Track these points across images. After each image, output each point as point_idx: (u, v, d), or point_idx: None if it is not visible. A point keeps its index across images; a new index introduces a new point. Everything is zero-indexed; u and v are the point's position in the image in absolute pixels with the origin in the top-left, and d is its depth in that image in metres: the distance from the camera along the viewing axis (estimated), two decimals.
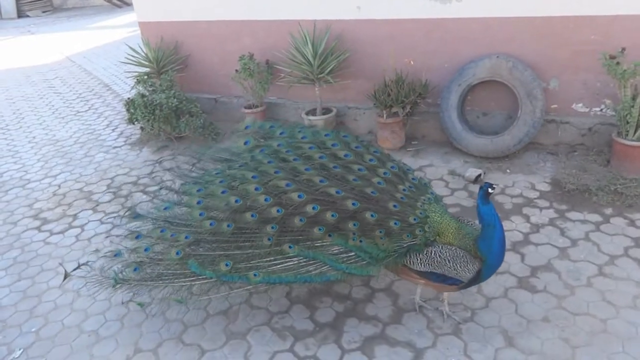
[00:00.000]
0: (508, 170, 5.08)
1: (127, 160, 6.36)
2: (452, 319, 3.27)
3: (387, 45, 5.77)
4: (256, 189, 3.03)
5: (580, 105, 5.20)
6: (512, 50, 5.19)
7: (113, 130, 7.49)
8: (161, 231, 3.26)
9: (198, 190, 3.29)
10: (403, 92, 5.45)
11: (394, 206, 2.96)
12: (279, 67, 6.27)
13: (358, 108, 6.31)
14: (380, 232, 2.93)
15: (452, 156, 5.52)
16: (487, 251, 2.88)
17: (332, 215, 2.93)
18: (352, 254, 2.99)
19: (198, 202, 3.22)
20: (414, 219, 2.96)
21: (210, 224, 3.10)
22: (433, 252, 2.94)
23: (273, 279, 3.04)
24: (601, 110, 5.11)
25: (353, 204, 2.91)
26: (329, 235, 2.97)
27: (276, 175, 3.05)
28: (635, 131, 4.54)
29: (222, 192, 3.15)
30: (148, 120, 6.28)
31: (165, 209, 3.43)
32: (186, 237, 3.16)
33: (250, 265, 3.04)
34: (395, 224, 2.93)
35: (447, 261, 2.90)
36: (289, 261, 3.02)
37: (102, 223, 4.93)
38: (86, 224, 4.95)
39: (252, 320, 3.46)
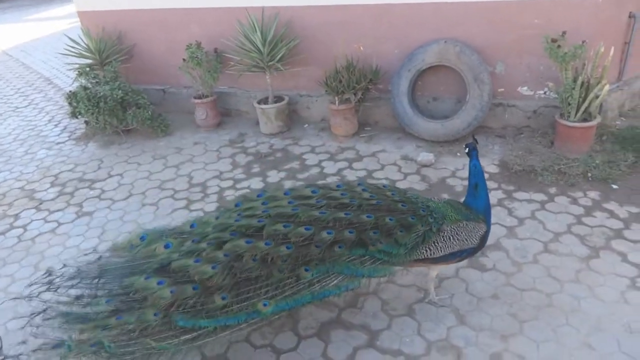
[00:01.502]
0: (458, 154, 5.18)
1: (72, 156, 6.10)
2: (439, 305, 3.28)
3: (337, 31, 5.75)
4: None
5: (525, 88, 5.35)
6: (459, 34, 5.27)
7: (56, 125, 7.16)
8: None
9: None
10: (354, 78, 5.45)
11: (403, 206, 2.96)
12: (228, 56, 6.14)
13: (310, 96, 6.28)
14: (401, 231, 2.87)
15: (405, 141, 5.58)
16: (484, 208, 3.09)
17: (350, 232, 2.80)
18: (371, 258, 2.86)
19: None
20: (422, 211, 2.97)
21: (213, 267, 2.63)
22: (447, 233, 2.96)
23: (286, 304, 2.69)
24: (545, 93, 5.28)
25: (368, 216, 2.84)
26: (349, 250, 2.81)
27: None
28: (577, 112, 4.71)
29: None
30: (92, 114, 6.02)
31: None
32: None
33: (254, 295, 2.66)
34: (412, 218, 2.91)
35: (461, 236, 2.97)
36: (302, 282, 2.74)
37: (47, 222, 4.71)
38: (29, 223, 4.72)
39: None
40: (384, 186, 3.26)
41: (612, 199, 4.21)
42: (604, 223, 3.92)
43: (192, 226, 3.00)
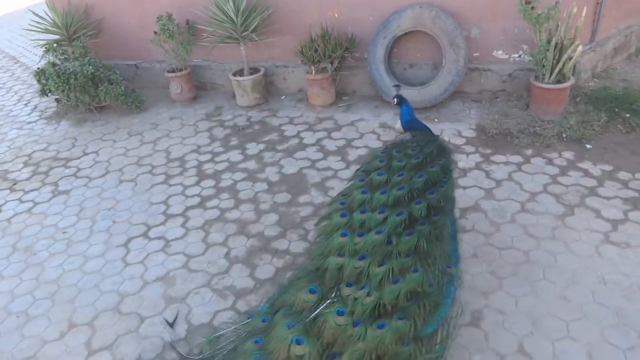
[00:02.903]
0: (436, 120, 5.20)
1: (44, 135, 5.95)
2: None
3: None
4: None
5: (500, 52, 5.37)
6: None
7: (25, 105, 6.96)
8: None
9: None
10: (330, 47, 5.39)
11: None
12: (201, 27, 6.00)
13: (286, 66, 6.20)
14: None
15: (382, 109, 5.58)
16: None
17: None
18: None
19: None
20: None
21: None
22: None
23: None
24: (519, 56, 5.31)
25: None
26: None
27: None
28: (551, 74, 4.75)
29: None
30: (63, 91, 5.86)
31: None
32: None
33: None
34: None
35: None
36: None
37: (22, 202, 4.61)
38: (3, 204, 4.62)
39: (191, 283, 3.40)
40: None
41: (586, 158, 4.31)
42: (578, 182, 4.01)
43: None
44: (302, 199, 4.21)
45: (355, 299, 2.26)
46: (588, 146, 4.47)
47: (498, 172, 4.26)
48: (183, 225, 4.03)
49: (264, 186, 4.45)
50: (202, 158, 5.04)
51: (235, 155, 5.02)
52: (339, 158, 4.72)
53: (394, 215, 2.55)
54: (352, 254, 2.46)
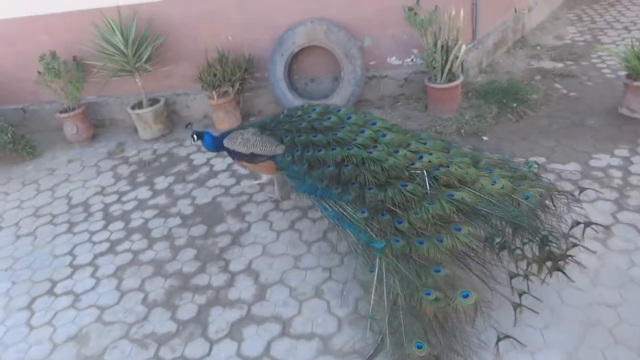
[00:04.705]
0: None
1: None
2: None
3: (202, 23, 5.58)
4: None
5: (394, 58, 5.58)
6: (325, 14, 5.34)
7: None
8: None
9: None
10: (228, 70, 5.34)
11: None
12: (90, 63, 5.69)
13: (187, 94, 6.05)
14: None
15: None
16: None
17: None
18: None
19: None
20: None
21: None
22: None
23: None
24: (412, 60, 5.55)
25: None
26: None
27: None
28: (442, 75, 5.01)
29: None
30: None
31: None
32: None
33: None
34: None
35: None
36: None
37: None
38: None
39: (107, 337, 3.17)
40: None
41: (484, 150, 4.54)
42: None
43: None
44: (219, 228, 4.09)
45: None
46: (485, 138, 4.75)
47: None
48: (93, 275, 3.76)
49: (178, 220, 4.28)
50: (108, 199, 4.76)
51: (143, 192, 4.79)
52: (253, 181, 4.65)
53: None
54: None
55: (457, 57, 4.88)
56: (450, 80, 5.04)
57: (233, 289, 3.42)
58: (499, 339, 2.57)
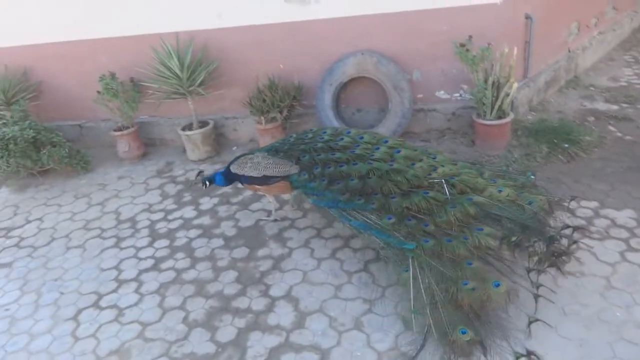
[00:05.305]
0: None
1: None
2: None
3: (255, 51, 5.74)
4: None
5: (442, 92, 5.58)
6: (375, 46, 5.42)
7: None
8: None
9: None
10: (278, 97, 5.45)
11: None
12: (146, 84, 5.94)
13: (236, 117, 6.20)
14: None
15: None
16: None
17: None
18: None
19: None
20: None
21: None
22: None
23: None
24: (460, 95, 5.53)
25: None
26: None
27: None
28: (492, 111, 4.96)
29: None
30: (2, 157, 5.59)
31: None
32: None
33: None
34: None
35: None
36: None
37: None
38: None
39: (148, 354, 3.21)
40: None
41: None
42: None
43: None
44: (260, 252, 4.12)
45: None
46: (532, 177, 4.63)
47: None
48: (137, 290, 3.85)
49: (221, 242, 4.34)
50: (155, 217, 4.89)
51: (188, 212, 4.90)
52: (295, 206, 4.68)
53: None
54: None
55: (507, 95, 4.83)
56: (499, 117, 4.98)
57: (272, 315, 3.42)
58: (530, 322, 2.89)
